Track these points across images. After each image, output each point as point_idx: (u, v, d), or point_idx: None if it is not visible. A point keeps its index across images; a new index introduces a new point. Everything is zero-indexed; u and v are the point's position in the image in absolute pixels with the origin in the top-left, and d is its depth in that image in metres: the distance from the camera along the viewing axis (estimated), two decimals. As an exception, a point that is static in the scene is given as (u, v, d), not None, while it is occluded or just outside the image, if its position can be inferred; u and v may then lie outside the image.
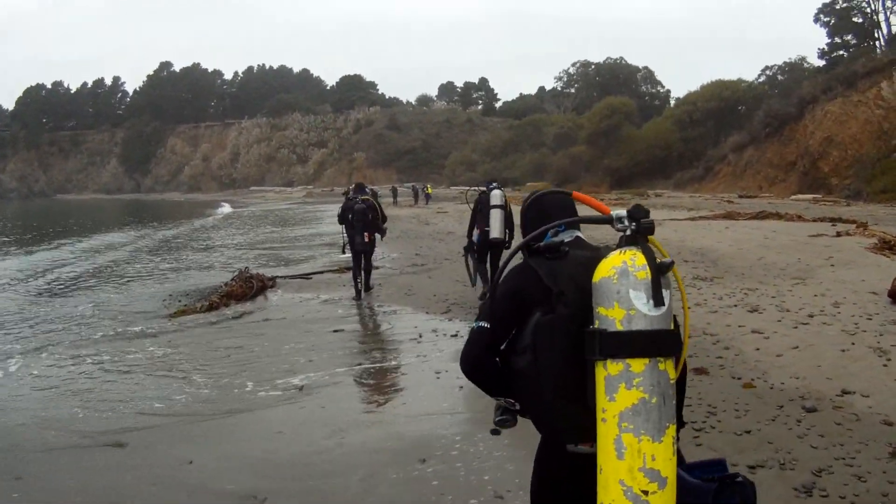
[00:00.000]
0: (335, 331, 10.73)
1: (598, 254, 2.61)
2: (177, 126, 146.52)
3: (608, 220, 2.57)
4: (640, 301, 2.36)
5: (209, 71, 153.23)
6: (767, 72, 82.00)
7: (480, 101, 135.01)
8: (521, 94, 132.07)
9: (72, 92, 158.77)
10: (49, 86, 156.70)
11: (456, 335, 9.99)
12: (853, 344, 8.20)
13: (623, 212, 2.53)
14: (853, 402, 6.45)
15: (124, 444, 6.46)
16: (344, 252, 14.57)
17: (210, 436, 6.69)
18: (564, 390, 2.54)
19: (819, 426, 5.91)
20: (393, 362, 9.11)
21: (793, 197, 44.06)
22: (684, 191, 58.85)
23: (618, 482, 2.34)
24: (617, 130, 71.93)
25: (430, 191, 61.05)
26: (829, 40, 66.99)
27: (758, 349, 8.36)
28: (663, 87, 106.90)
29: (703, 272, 14.48)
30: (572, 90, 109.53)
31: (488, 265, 12.57)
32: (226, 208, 68.85)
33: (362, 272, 13.76)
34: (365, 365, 8.96)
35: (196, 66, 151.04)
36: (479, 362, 2.80)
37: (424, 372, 8.37)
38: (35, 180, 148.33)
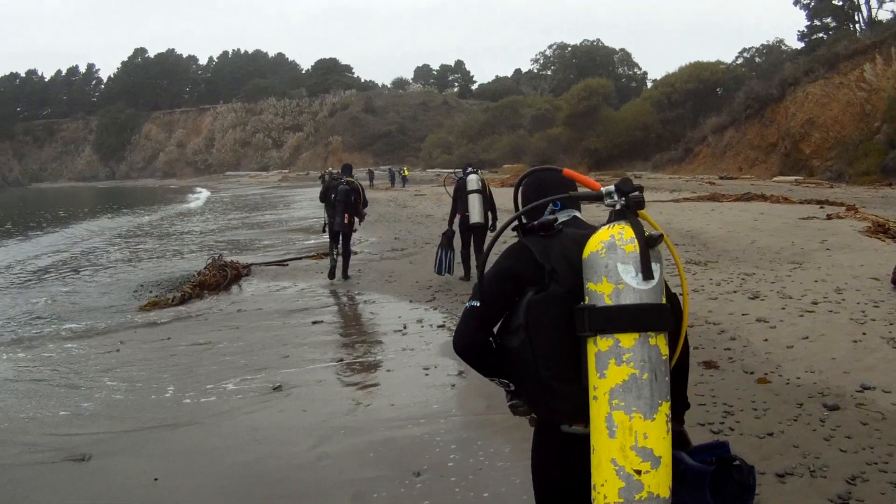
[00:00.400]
0: (314, 322, 10.13)
1: (593, 231, 2.52)
2: (151, 112, 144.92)
3: (598, 196, 2.54)
4: (629, 275, 2.32)
5: (184, 56, 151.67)
6: (745, 54, 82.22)
7: (457, 84, 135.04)
8: (497, 76, 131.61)
9: (45, 80, 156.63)
10: (23, 74, 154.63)
11: (443, 326, 9.45)
12: (864, 334, 7.77)
13: (612, 187, 2.49)
14: (875, 398, 6.02)
15: (86, 458, 5.79)
16: (324, 231, 14.19)
17: (178, 447, 6.03)
18: (559, 369, 2.50)
19: (844, 426, 5.46)
20: (378, 357, 8.49)
21: (775, 179, 43.82)
22: (663, 172, 58.41)
23: (610, 461, 2.29)
24: (595, 112, 70.91)
25: (406, 173, 60.51)
26: (809, 22, 66.44)
27: (766, 340, 7.90)
28: (640, 69, 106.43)
29: (696, 256, 14.11)
30: (549, 72, 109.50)
31: (472, 250, 12.53)
32: (203, 193, 67.66)
33: (339, 256, 13.65)
34: (347, 360, 8.36)
35: (171, 52, 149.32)
36: (472, 342, 2.72)
37: (412, 368, 7.79)
38: (9, 170, 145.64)
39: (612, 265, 2.32)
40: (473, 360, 2.76)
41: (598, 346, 2.32)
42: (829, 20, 65.82)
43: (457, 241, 12.55)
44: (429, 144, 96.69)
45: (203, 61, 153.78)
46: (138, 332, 10.42)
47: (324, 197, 13.78)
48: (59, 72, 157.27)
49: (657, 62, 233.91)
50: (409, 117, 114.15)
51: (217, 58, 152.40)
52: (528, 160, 69.58)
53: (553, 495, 2.75)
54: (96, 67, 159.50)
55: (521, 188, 2.99)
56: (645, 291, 2.31)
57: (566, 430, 2.59)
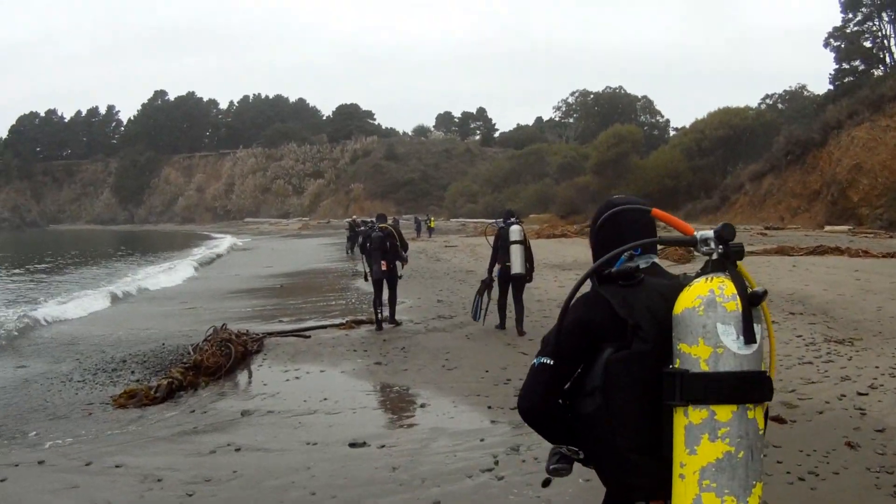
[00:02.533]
0: (352, 444, 6.82)
1: (678, 282, 2.38)
2: (171, 156, 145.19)
3: (692, 242, 2.32)
4: (730, 337, 2.13)
5: (204, 100, 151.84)
6: (768, 100, 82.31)
7: (479, 132, 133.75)
8: (518, 124, 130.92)
9: (66, 121, 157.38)
10: (42, 114, 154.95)
11: None
12: None
13: (709, 232, 2.28)
14: None
15: None
16: (366, 280, 13.91)
17: None
18: (638, 440, 2.29)
19: None
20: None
21: (826, 229, 41.26)
22: (698, 222, 55.48)
23: None
24: (624, 159, 69.44)
25: (432, 224, 57.49)
26: (837, 66, 64.30)
27: None
28: (662, 116, 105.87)
29: (829, 330, 11.33)
30: (571, 120, 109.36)
31: (510, 299, 12.45)
32: (225, 240, 64.40)
33: (382, 304, 13.36)
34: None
35: (191, 95, 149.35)
36: (540, 404, 2.48)
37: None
38: (28, 210, 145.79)
39: (712, 325, 2.13)
40: (540, 425, 2.53)
41: (690, 417, 2.13)
42: (857, 63, 63.52)
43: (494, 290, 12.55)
44: (452, 193, 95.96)
45: (224, 105, 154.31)
46: (81, 460, 7.14)
47: (362, 247, 13.69)
48: (78, 112, 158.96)
49: (678, 110, 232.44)
50: (431, 165, 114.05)
51: (238, 102, 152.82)
52: (555, 209, 69.59)
53: None
54: (116, 109, 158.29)
55: (599, 229, 2.68)
56: (746, 357, 2.12)
57: None
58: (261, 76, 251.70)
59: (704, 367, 2.12)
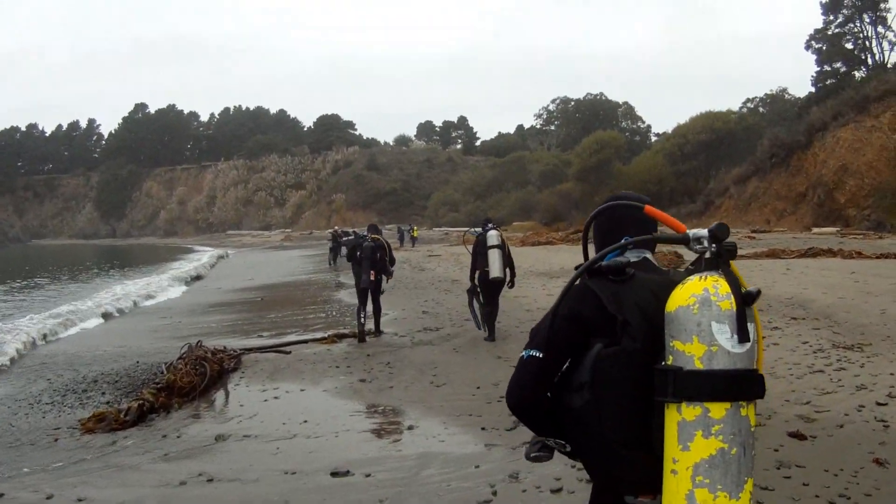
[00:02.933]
0: (333, 474, 6.21)
1: (669, 279, 2.40)
2: (153, 169, 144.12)
3: (684, 240, 2.32)
4: (724, 336, 2.12)
5: (185, 113, 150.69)
6: (749, 104, 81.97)
7: (460, 141, 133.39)
8: (499, 132, 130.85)
9: (46, 135, 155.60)
10: (24, 128, 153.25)
11: (560, 490, 5.47)
12: None
13: (703, 231, 2.28)
14: None
15: None
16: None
17: None
18: (627, 434, 2.29)
19: None
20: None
21: (814, 230, 41.06)
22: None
23: None
24: (607, 165, 69.10)
25: (415, 233, 56.89)
26: (819, 68, 64.20)
27: None
28: (644, 122, 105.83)
29: (834, 336, 10.93)
30: (552, 127, 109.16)
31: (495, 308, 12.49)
32: (206, 253, 63.46)
33: (366, 314, 13.10)
34: None
35: (171, 108, 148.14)
36: (529, 396, 2.45)
37: None
38: (10, 226, 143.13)
39: (706, 323, 2.12)
40: (528, 418, 2.50)
41: (683, 414, 2.13)
42: (839, 65, 63.59)
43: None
44: (435, 202, 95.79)
45: (204, 117, 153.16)
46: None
47: (350, 256, 13.60)
48: (59, 126, 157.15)
49: (659, 115, 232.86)
50: (413, 175, 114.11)
51: (218, 114, 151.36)
52: (538, 216, 69.80)
53: None
54: (97, 123, 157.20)
55: (595, 223, 2.69)
56: (739, 355, 2.12)
57: (630, 501, 2.35)
58: (241, 88, 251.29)
59: (699, 365, 2.12)
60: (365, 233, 13.78)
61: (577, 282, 2.46)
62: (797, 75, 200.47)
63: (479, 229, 12.81)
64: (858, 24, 61.89)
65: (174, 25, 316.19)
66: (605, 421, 2.29)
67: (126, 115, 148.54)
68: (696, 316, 2.13)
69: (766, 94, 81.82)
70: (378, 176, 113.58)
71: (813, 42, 64.01)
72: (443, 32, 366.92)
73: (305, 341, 12.94)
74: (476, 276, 12.34)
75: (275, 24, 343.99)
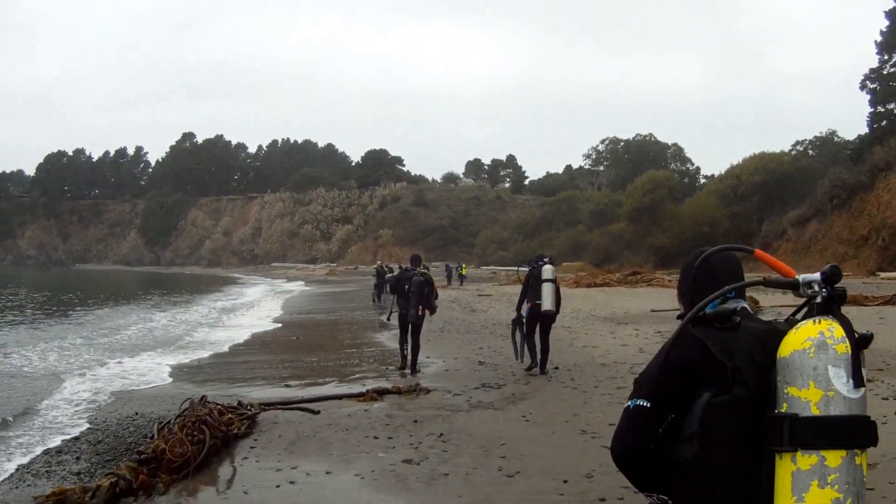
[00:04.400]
0: None
1: (772, 326, 2.34)
2: (199, 198, 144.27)
3: (794, 285, 2.30)
4: (840, 380, 2.06)
5: (232, 144, 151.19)
6: (798, 146, 79.70)
7: (508, 179, 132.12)
8: (548, 172, 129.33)
9: (93, 160, 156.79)
10: (70, 153, 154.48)
11: None
12: None
13: (815, 275, 2.23)
14: None
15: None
16: (388, 319, 14.28)
17: None
18: (738, 488, 2.18)
19: None
20: None
21: (881, 275, 38.80)
22: (738, 271, 52.84)
23: None
24: (660, 206, 66.68)
25: (464, 271, 54.67)
26: (872, 108, 60.95)
27: None
28: (693, 163, 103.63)
29: None
30: (601, 168, 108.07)
31: (537, 338, 12.36)
32: (258, 286, 61.52)
33: (409, 348, 13.18)
34: None
35: (219, 138, 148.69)
36: (636, 449, 2.33)
37: None
38: (54, 249, 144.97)
39: (823, 368, 2.06)
40: (634, 471, 2.39)
41: (798, 464, 2.05)
42: (892, 106, 60.31)
43: None
44: (483, 240, 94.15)
45: (252, 149, 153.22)
46: None
47: (395, 288, 13.48)
48: (106, 153, 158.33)
49: (707, 157, 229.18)
50: (461, 212, 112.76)
51: (266, 146, 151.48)
52: (588, 257, 67.80)
53: None
54: (144, 151, 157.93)
55: (693, 274, 2.59)
56: (855, 401, 2.06)
57: None
58: (289, 122, 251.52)
59: (815, 411, 2.05)
60: (409, 266, 13.61)
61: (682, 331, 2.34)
62: (845, 117, 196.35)
63: (525, 268, 13.10)
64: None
65: (224, 56, 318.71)
66: (715, 473, 2.17)
67: (174, 143, 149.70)
68: (812, 360, 2.07)
69: (815, 137, 79.63)
70: (425, 212, 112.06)
71: (868, 82, 61.27)
72: (491, 70, 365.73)
73: (339, 397, 10.68)
74: (525, 308, 12.37)
75: (324, 57, 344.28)
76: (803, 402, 2.05)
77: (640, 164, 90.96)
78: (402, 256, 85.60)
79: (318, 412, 9.59)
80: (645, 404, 2.32)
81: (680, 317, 2.44)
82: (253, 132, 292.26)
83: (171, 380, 13.95)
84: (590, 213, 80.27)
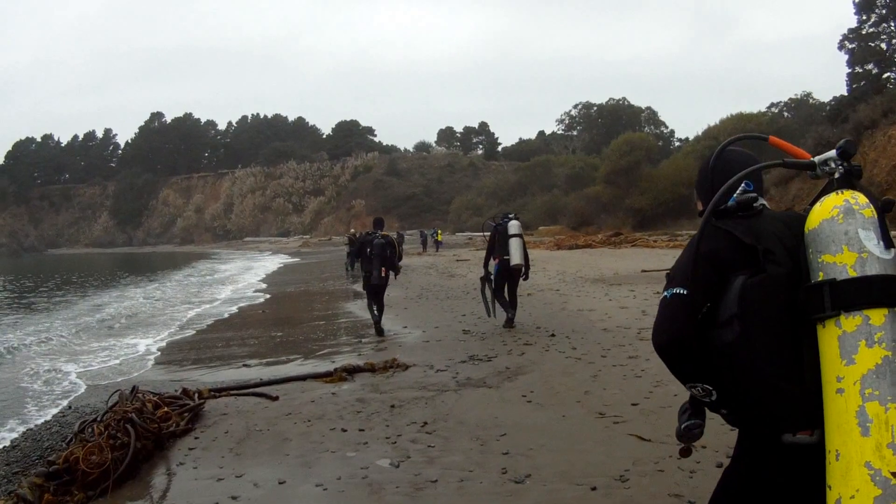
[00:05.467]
0: None
1: (794, 212, 2.43)
2: (169, 178, 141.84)
3: (811, 166, 2.36)
4: (871, 242, 2.08)
5: (202, 122, 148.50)
6: (773, 108, 79.06)
7: (481, 146, 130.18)
8: (521, 138, 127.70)
9: (62, 145, 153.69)
10: (39, 139, 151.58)
11: None
12: None
13: (831, 152, 2.30)
14: None
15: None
16: (347, 272, 13.90)
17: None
18: (782, 366, 2.17)
19: None
20: None
21: None
22: (717, 232, 51.84)
23: (863, 465, 1.95)
24: (637, 168, 65.48)
25: (440, 237, 53.10)
26: (850, 69, 60.20)
27: None
28: (667, 127, 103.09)
29: None
30: (574, 133, 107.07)
31: (506, 294, 12.43)
32: (234, 261, 59.51)
33: (378, 308, 13.04)
34: None
35: (188, 116, 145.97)
36: (680, 335, 2.27)
37: None
38: (25, 235, 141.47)
39: (853, 231, 2.09)
40: (678, 360, 2.33)
41: (843, 326, 2.04)
42: (870, 66, 59.62)
43: None
44: (457, 206, 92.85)
45: (222, 126, 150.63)
46: None
47: (359, 252, 13.57)
48: (75, 137, 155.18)
49: (681, 120, 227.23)
50: (434, 179, 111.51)
51: (236, 122, 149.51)
52: (565, 221, 66.86)
53: None
54: (114, 132, 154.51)
55: (710, 170, 2.63)
56: (888, 261, 2.08)
57: (788, 440, 2.21)
58: (259, 98, 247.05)
59: (852, 273, 2.05)
60: (372, 230, 13.51)
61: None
62: (820, 81, 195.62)
63: (492, 221, 12.91)
64: (893, 24, 58.36)
65: (190, 36, 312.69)
66: (758, 351, 2.18)
67: (142, 124, 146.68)
68: (842, 225, 2.09)
69: (790, 99, 79.28)
70: (398, 181, 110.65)
71: (846, 42, 60.31)
72: (461, 39, 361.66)
73: (303, 378, 9.09)
74: (492, 264, 12.35)
75: (293, 32, 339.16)
76: (839, 267, 2.07)
77: (613, 128, 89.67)
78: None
79: (277, 398, 8.03)
80: (682, 291, 2.29)
81: (699, 214, 2.48)
82: (222, 109, 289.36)
83: (118, 364, 12.36)
84: (565, 177, 79.00)
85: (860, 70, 59.89)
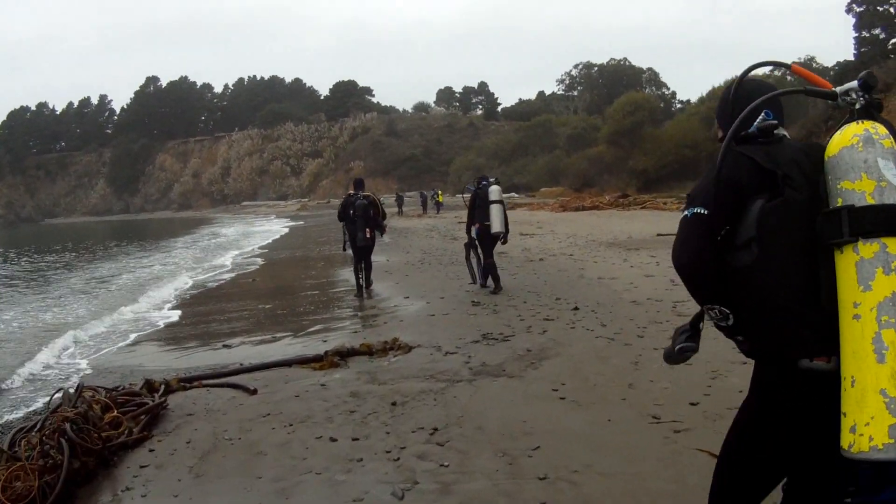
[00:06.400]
0: None
1: (814, 142, 2.42)
2: (165, 143, 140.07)
3: (832, 95, 2.32)
4: (890, 171, 2.09)
5: (197, 85, 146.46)
6: (776, 72, 75.76)
7: (481, 107, 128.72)
8: (520, 99, 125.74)
9: (57, 113, 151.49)
10: (33, 108, 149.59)
11: None
12: None
13: (852, 83, 2.26)
14: None
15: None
16: (345, 249, 13.61)
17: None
18: (799, 290, 2.19)
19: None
20: None
21: None
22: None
23: (878, 392, 1.97)
24: (640, 129, 63.94)
25: (440, 198, 51.62)
26: (857, 33, 59.79)
27: None
28: (668, 88, 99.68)
29: None
30: (575, 93, 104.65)
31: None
32: (233, 226, 58.04)
33: (363, 270, 13.22)
34: None
35: (184, 80, 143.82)
36: (700, 255, 2.31)
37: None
38: (22, 206, 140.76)
39: (872, 160, 2.09)
40: (698, 278, 2.35)
41: (861, 253, 2.06)
42: (878, 31, 59.12)
43: None
44: (457, 167, 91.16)
45: (218, 89, 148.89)
46: None
47: (342, 215, 13.25)
48: (70, 104, 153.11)
49: (684, 83, 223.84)
50: (433, 140, 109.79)
51: (232, 85, 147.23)
52: (567, 182, 66.26)
53: (777, 450, 2.30)
54: (109, 99, 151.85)
55: (732, 98, 2.58)
56: None
57: (805, 365, 2.21)
58: (255, 64, 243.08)
59: (870, 200, 2.06)
60: (353, 191, 13.32)
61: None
62: (823, 48, 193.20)
63: (471, 185, 12.79)
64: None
65: (186, 4, 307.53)
66: (776, 274, 2.19)
67: (137, 89, 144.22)
68: (861, 153, 2.09)
69: (794, 63, 76.83)
70: (397, 142, 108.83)
71: (854, 5, 59.52)
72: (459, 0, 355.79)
73: (288, 363, 7.76)
74: (474, 230, 12.16)
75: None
76: (858, 194, 2.07)
77: (614, 89, 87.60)
78: (375, 188, 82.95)
79: (255, 391, 6.69)
80: (702, 211, 2.30)
81: (719, 141, 2.48)
82: (218, 73, 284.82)
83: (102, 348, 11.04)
84: (567, 138, 77.30)
85: (867, 34, 59.31)
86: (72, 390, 5.99)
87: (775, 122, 2.40)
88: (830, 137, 2.19)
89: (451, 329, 9.03)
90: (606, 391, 5.94)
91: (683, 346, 2.45)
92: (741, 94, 2.54)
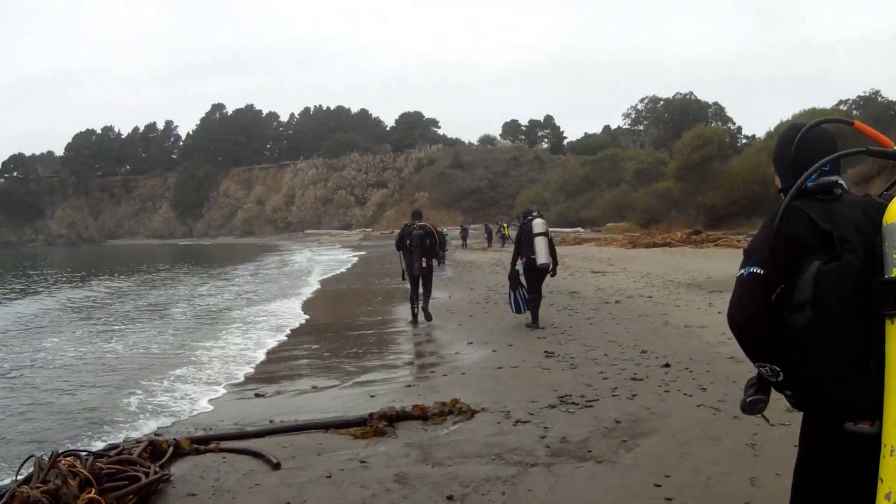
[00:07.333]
0: None
1: (872, 199, 2.41)
2: (230, 169, 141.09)
3: (893, 155, 2.35)
4: None
5: (263, 113, 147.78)
6: (842, 106, 74.97)
7: (546, 140, 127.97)
8: (586, 133, 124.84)
9: (122, 137, 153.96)
10: (99, 131, 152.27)
11: None
12: None
13: None
14: None
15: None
16: (403, 279, 13.66)
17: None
18: (849, 355, 2.18)
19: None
20: None
21: None
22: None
23: None
24: (709, 163, 61.65)
25: (507, 231, 50.18)
26: None
27: None
28: (734, 123, 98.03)
29: None
30: (640, 128, 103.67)
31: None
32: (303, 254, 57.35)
33: (420, 299, 13.35)
34: None
35: (249, 108, 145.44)
36: (755, 314, 2.29)
37: None
38: (85, 227, 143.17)
39: None
40: (752, 338, 2.33)
41: None
42: None
43: None
44: (523, 201, 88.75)
45: (284, 118, 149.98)
46: None
47: (400, 244, 13.49)
48: (136, 129, 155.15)
49: (748, 117, 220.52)
50: (499, 173, 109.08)
51: (298, 114, 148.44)
52: (634, 217, 64.89)
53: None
54: (175, 124, 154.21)
55: (782, 151, 2.65)
56: None
57: (850, 428, 2.21)
58: (322, 91, 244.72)
59: None
60: (410, 221, 13.58)
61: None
62: (887, 78, 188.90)
63: (517, 220, 12.59)
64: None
65: (253, 35, 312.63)
66: (829, 338, 2.17)
67: (203, 115, 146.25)
68: None
69: (858, 97, 75.28)
70: (462, 174, 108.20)
71: None
72: (526, 36, 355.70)
73: (325, 426, 6.48)
74: (520, 263, 12.24)
75: (357, 26, 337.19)
76: None
77: (680, 124, 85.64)
78: (440, 220, 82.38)
79: (279, 465, 5.40)
80: (759, 271, 2.29)
81: (779, 191, 2.57)
82: (284, 102, 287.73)
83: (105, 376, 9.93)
84: (634, 172, 75.63)
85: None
86: (46, 457, 4.78)
87: (835, 178, 2.37)
88: (888, 192, 2.24)
89: (522, 387, 7.64)
90: (725, 491, 4.51)
91: (755, 399, 2.42)
92: (805, 143, 2.51)
